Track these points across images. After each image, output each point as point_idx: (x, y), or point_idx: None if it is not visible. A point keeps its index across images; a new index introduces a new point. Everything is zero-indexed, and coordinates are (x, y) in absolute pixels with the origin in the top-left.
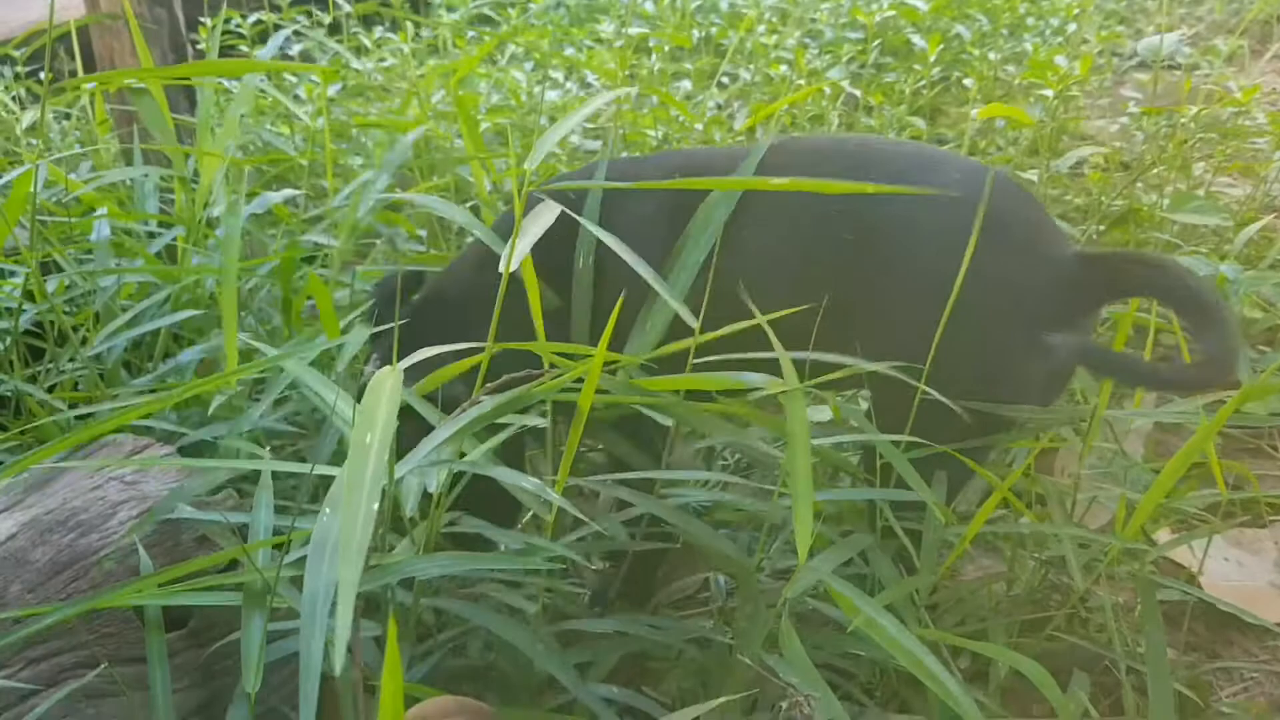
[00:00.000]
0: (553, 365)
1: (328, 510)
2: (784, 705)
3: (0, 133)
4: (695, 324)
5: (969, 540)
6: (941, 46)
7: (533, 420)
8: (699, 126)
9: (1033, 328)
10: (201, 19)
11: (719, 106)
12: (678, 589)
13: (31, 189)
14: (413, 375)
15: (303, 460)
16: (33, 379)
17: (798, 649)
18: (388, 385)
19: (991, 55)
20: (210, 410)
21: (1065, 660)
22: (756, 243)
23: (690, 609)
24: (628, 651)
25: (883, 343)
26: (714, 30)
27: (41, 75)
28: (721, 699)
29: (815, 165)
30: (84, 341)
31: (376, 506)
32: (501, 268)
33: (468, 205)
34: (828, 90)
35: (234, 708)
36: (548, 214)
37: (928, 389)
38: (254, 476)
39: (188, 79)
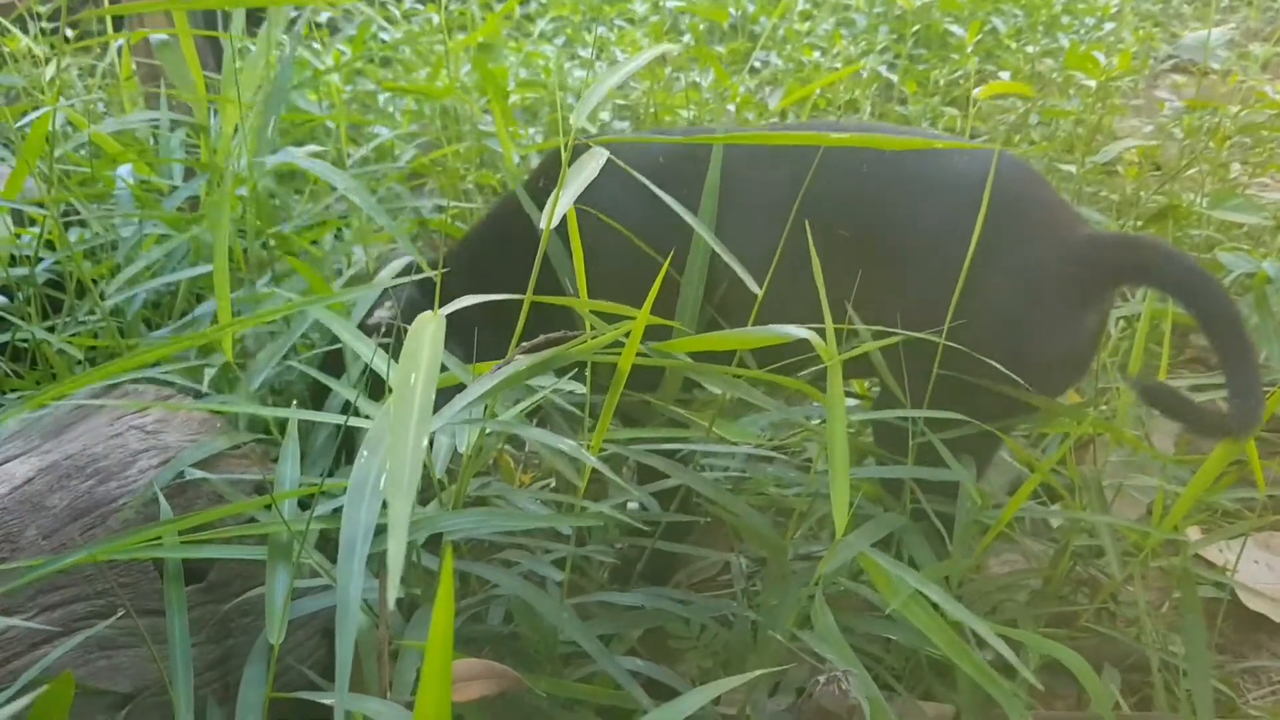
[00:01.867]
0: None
1: (365, 453)
2: (821, 680)
3: (29, 82)
4: (759, 291)
5: (1005, 521)
6: (979, 38)
7: (567, 383)
8: (731, 108)
9: (1049, 309)
10: None
11: (749, 91)
12: (697, 570)
13: (50, 129)
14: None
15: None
16: (50, 330)
17: (831, 626)
18: (430, 328)
19: (1029, 49)
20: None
21: (1093, 655)
22: (769, 231)
23: (710, 590)
24: (648, 628)
25: (902, 326)
26: (751, 9)
27: (69, 32)
28: (757, 672)
29: (808, 152)
30: (103, 296)
31: (425, 444)
32: (543, 223)
33: (501, 176)
34: (865, 73)
35: (251, 663)
36: (593, 163)
37: (945, 370)
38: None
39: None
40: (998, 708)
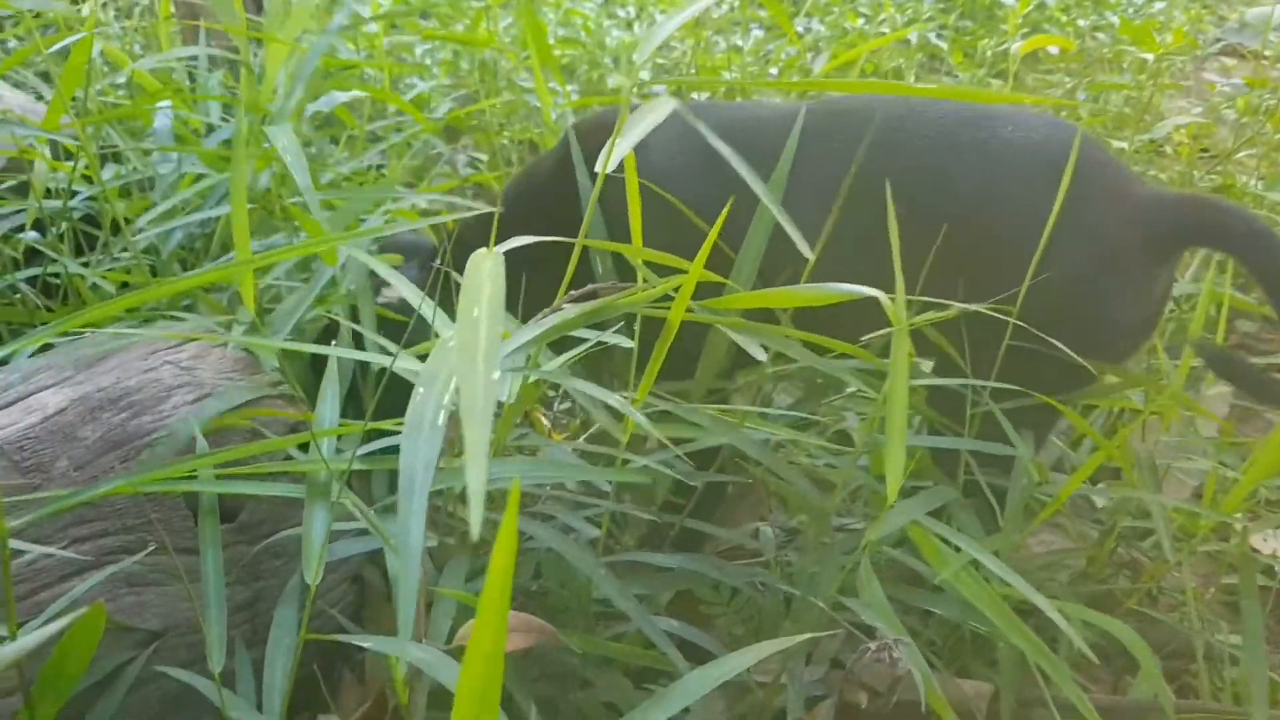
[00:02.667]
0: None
1: (421, 389)
2: (872, 647)
3: (68, 16)
4: (810, 255)
5: (1064, 498)
6: (1027, 10)
7: (613, 337)
8: (774, 71)
9: (1120, 271)
10: None
11: (792, 56)
12: (724, 540)
13: (88, 57)
14: None
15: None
16: (84, 267)
17: (879, 594)
18: (488, 262)
19: (1080, 23)
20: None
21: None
22: (822, 205)
23: (738, 559)
24: (678, 592)
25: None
26: None
27: None
28: (801, 636)
29: (855, 127)
30: (136, 236)
31: (497, 375)
32: (598, 168)
33: (539, 132)
34: (913, 39)
35: (283, 605)
36: (656, 112)
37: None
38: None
39: None
40: (1038, 688)
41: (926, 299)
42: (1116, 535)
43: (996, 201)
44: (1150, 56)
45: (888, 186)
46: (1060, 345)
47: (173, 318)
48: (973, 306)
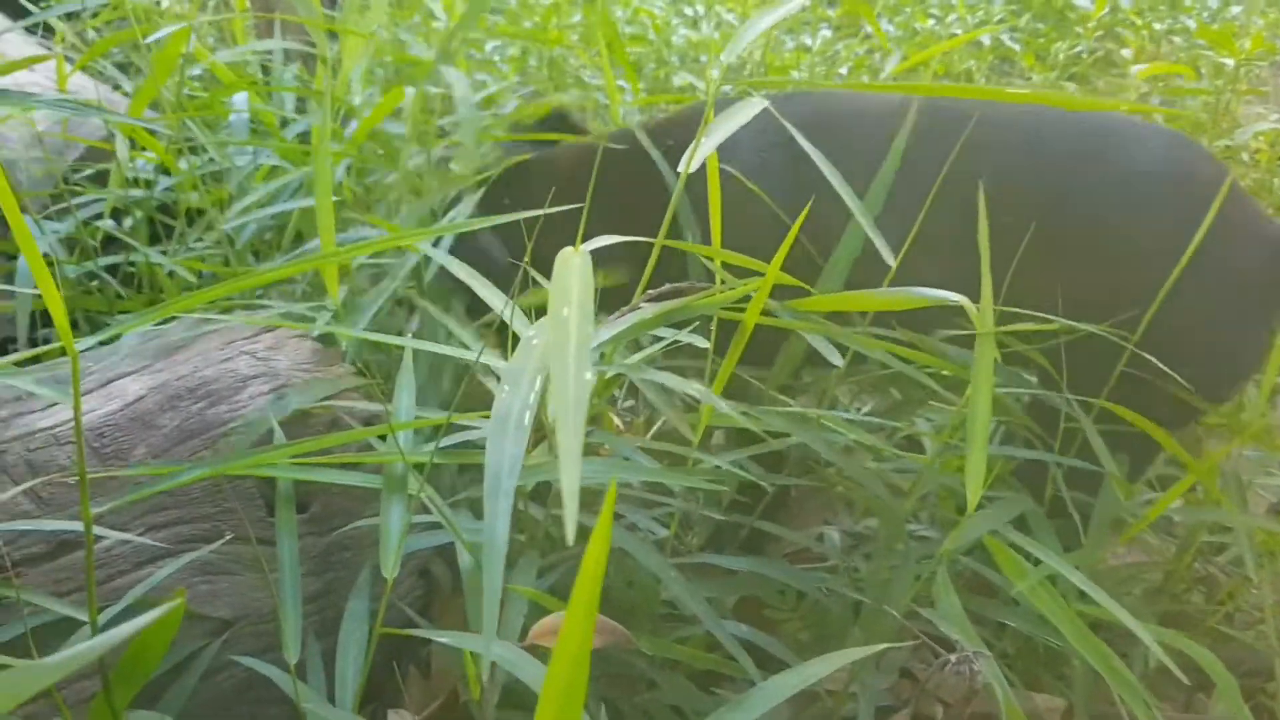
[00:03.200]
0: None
1: (507, 387)
2: (952, 659)
3: (145, 14)
4: (893, 261)
5: (1152, 518)
6: (1104, 12)
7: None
8: (843, 71)
9: (1250, 311)
10: None
11: (860, 56)
12: (787, 541)
13: (183, 49)
14: None
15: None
16: (163, 255)
17: (955, 605)
18: (576, 261)
19: (1156, 26)
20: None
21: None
22: (912, 215)
23: (801, 564)
24: (742, 596)
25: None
26: None
27: None
28: (880, 646)
29: (974, 132)
30: (209, 227)
31: (589, 375)
32: (682, 167)
33: (607, 130)
34: (986, 40)
35: (354, 598)
36: (745, 110)
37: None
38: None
39: None
40: (1110, 704)
41: (1029, 313)
42: (1195, 551)
43: (1122, 224)
44: (1230, 61)
45: (982, 193)
46: (1179, 379)
47: (249, 307)
48: (1090, 328)
